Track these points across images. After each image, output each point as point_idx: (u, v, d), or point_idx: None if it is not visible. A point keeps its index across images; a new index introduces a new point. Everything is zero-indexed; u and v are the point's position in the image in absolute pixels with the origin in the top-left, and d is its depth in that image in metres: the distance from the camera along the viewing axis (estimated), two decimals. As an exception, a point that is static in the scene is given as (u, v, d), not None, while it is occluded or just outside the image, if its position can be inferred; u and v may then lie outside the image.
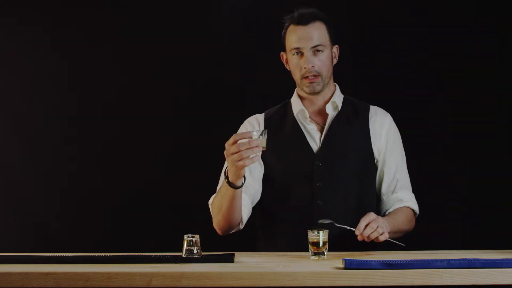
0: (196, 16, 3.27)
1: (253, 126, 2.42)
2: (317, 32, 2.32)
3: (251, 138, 1.97)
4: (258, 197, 2.36)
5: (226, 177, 2.10)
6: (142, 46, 3.26)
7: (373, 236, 2.07)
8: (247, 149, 1.95)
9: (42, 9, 3.25)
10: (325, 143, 2.34)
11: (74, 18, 3.26)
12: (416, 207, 2.38)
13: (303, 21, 2.32)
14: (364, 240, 2.08)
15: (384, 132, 2.39)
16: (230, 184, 2.10)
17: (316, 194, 2.28)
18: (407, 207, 2.35)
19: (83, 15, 3.26)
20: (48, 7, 3.25)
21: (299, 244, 2.16)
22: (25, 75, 3.26)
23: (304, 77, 2.32)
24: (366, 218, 2.08)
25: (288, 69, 2.41)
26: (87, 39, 3.26)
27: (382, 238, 2.09)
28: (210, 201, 2.34)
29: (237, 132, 2.08)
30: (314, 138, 2.35)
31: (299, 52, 2.31)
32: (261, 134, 1.99)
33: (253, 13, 3.27)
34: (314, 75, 2.31)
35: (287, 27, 2.37)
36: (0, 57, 3.25)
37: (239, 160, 1.98)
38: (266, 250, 2.32)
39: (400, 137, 2.44)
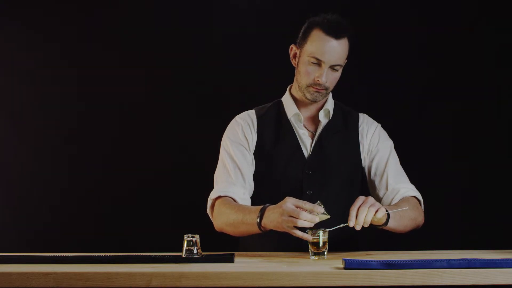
0: (193, 16, 3.27)
1: (247, 123, 2.38)
2: (342, 51, 2.25)
3: (316, 214, 1.93)
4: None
5: (260, 217, 2.06)
6: (141, 47, 3.26)
7: (369, 219, 1.96)
8: (305, 221, 1.93)
9: (42, 9, 3.25)
10: (315, 151, 2.33)
11: (75, 17, 3.26)
12: (417, 194, 2.32)
13: (336, 34, 2.23)
14: (364, 228, 1.98)
15: (370, 136, 2.38)
16: (261, 227, 2.08)
17: None
18: (408, 196, 2.30)
19: (83, 14, 3.26)
20: (49, 7, 3.25)
21: (287, 248, 2.17)
22: (25, 75, 3.26)
23: (312, 86, 2.30)
24: (354, 207, 1.97)
25: (294, 64, 2.37)
26: (87, 39, 3.26)
27: (380, 214, 1.98)
28: (212, 196, 2.29)
29: (300, 201, 1.98)
30: (305, 144, 2.34)
31: (318, 63, 2.26)
32: (323, 213, 1.96)
33: (250, 13, 3.28)
34: (322, 88, 2.30)
35: (313, 28, 2.26)
36: (0, 57, 3.25)
37: (290, 225, 1.95)
38: (253, 251, 2.29)
39: (389, 139, 2.42)
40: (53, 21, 3.26)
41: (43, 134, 3.25)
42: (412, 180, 2.37)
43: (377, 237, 2.32)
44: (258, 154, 2.35)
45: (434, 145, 3.22)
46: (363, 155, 2.37)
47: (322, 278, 1.65)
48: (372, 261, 1.70)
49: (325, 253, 1.96)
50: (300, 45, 2.31)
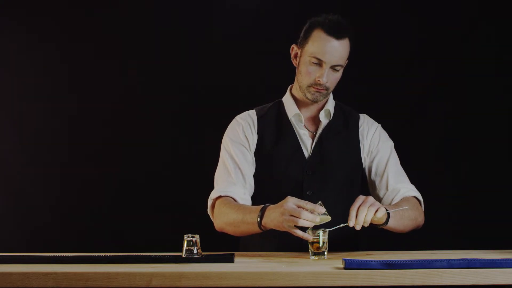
0: (193, 16, 3.27)
1: (248, 123, 2.38)
2: (343, 51, 2.25)
3: (317, 214, 1.93)
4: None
5: (261, 216, 2.06)
6: (141, 47, 3.26)
7: (369, 218, 1.96)
8: (306, 220, 1.92)
9: (42, 9, 3.25)
10: (315, 151, 2.33)
11: (74, 18, 3.26)
12: (417, 194, 2.32)
13: (337, 34, 2.23)
14: (364, 227, 1.98)
15: (370, 136, 2.38)
16: (261, 226, 2.08)
17: None
18: (408, 196, 2.30)
19: (83, 15, 3.26)
20: (49, 7, 3.25)
21: (287, 248, 2.17)
22: (25, 75, 3.26)
23: (312, 86, 2.30)
24: (353, 206, 1.97)
25: (295, 64, 2.37)
26: (87, 39, 3.26)
27: (380, 213, 1.99)
28: (212, 196, 2.29)
29: (301, 200, 1.97)
30: (306, 144, 2.34)
31: (319, 63, 2.26)
32: (324, 213, 1.95)
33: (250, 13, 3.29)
34: (323, 88, 2.30)
35: (314, 28, 2.26)
36: (0, 57, 3.25)
37: (291, 225, 1.95)
38: (254, 251, 2.29)
39: (389, 139, 2.42)
40: (52, 22, 3.26)
41: (43, 134, 3.24)
42: (412, 180, 2.37)
43: (377, 237, 2.32)
44: (259, 154, 2.35)
45: (434, 145, 3.22)
46: (364, 155, 2.38)
47: (322, 278, 1.65)
48: (372, 261, 1.70)
49: (325, 253, 1.95)
50: (301, 45, 2.31)
